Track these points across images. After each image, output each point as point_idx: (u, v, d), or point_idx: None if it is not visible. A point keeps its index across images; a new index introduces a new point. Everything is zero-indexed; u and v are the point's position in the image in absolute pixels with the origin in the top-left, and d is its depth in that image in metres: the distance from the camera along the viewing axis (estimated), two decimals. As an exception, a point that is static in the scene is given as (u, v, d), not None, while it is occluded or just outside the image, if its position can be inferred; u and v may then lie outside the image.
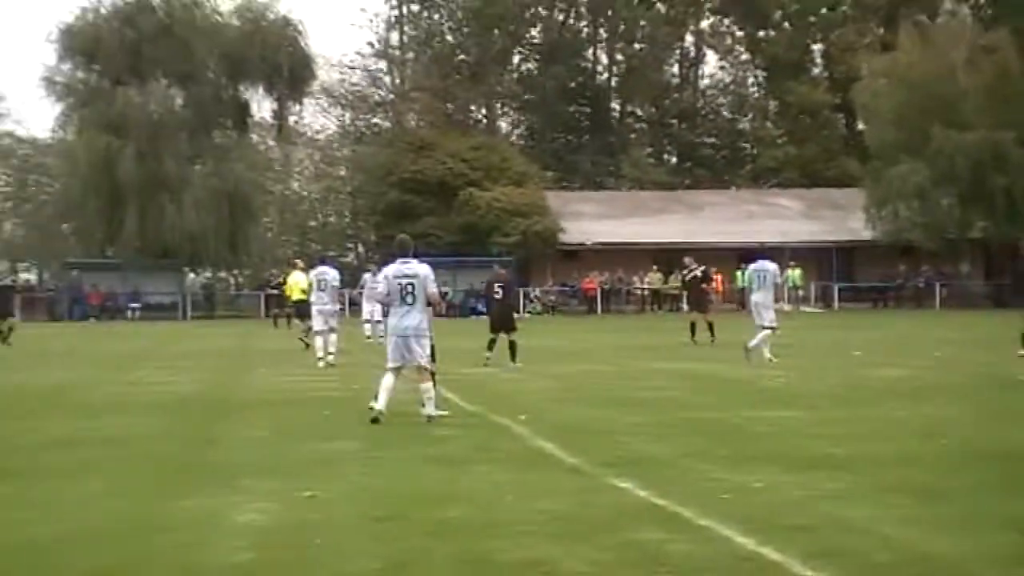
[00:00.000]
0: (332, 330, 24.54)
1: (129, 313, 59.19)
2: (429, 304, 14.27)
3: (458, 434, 13.07)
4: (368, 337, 30.89)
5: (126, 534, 8.02)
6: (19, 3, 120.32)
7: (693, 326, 28.91)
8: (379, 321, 32.77)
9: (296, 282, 30.05)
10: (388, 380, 13.87)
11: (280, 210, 78.60)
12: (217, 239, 62.59)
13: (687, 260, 31.07)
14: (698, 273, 30.29)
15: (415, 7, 78.59)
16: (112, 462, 11.31)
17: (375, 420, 13.53)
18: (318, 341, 24.60)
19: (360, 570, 7.00)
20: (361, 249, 78.67)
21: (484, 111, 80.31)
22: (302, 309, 28.26)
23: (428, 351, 14.08)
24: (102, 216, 63.84)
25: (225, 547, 7.64)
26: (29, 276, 77.60)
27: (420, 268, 14.13)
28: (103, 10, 65.70)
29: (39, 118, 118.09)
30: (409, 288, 13.86)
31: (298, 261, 31.09)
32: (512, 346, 23.03)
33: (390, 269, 14.13)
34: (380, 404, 13.65)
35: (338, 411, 15.60)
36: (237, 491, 9.62)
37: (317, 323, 24.65)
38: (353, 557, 7.31)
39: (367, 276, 34.54)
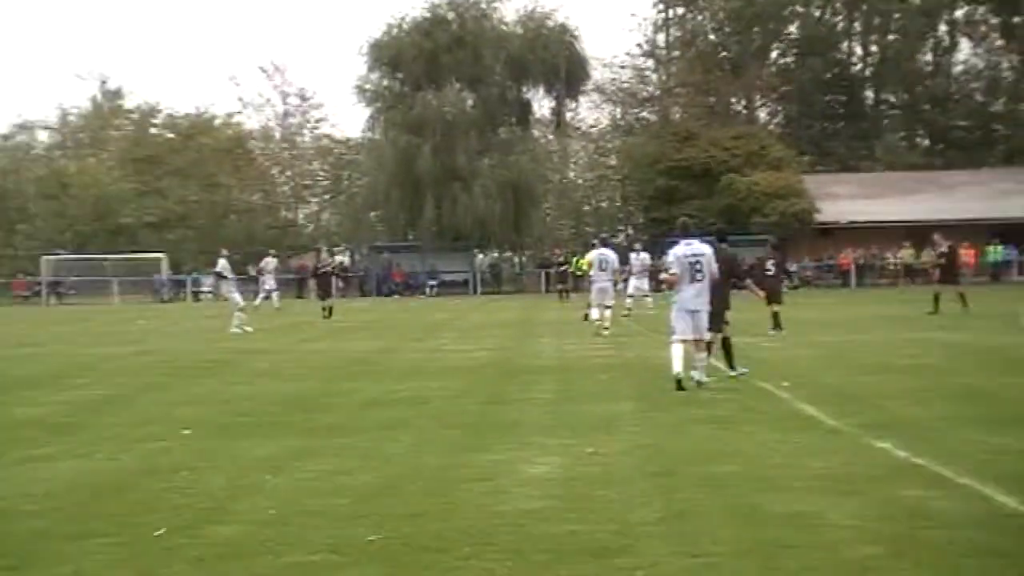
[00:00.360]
0: (608, 306, 24.68)
1: (427, 290, 60.79)
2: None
3: (725, 398, 12.91)
4: (629, 310, 30.79)
5: (435, 483, 8.22)
6: (335, 24, 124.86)
7: (936, 298, 27.84)
8: (645, 295, 32.82)
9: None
10: (678, 349, 13.70)
11: (558, 196, 79.11)
12: (503, 223, 63.75)
13: (936, 237, 30.00)
14: (944, 249, 29.28)
15: (680, 10, 78.06)
16: (419, 419, 11.61)
17: (680, 386, 13.38)
18: (594, 312, 24.79)
19: (641, 518, 6.99)
20: (631, 231, 78.69)
21: (744, 103, 79.02)
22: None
23: (707, 323, 13.94)
24: (404, 205, 65.87)
25: (520, 495, 7.75)
26: (343, 258, 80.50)
27: (705, 247, 14.04)
28: (405, 25, 67.49)
29: (351, 121, 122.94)
30: (698, 266, 13.75)
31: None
32: (775, 316, 22.74)
33: (678, 249, 13.99)
34: (678, 368, 13.51)
35: (614, 376, 15.61)
36: (527, 447, 9.74)
37: (597, 298, 24.84)
38: (634, 507, 7.31)
39: (632, 256, 34.57)
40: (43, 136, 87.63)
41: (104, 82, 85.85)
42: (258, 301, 39.83)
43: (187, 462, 9.24)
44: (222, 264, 28.71)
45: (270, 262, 42.78)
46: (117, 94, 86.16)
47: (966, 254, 44.82)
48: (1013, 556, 6.13)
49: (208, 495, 7.92)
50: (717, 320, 14.60)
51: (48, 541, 6.73)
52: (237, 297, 28.53)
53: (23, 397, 14.62)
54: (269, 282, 41.72)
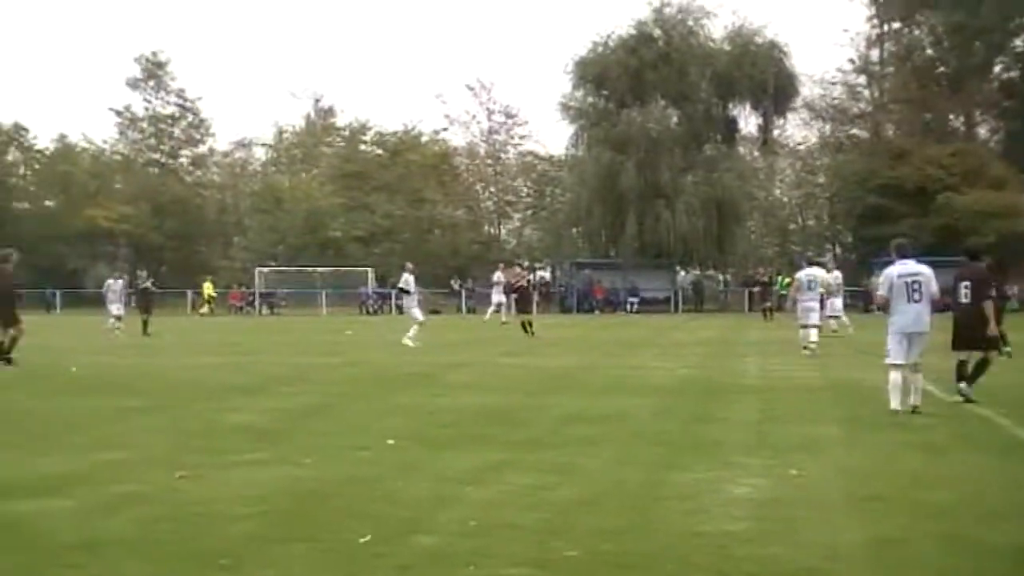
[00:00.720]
0: (815, 325, 24.27)
1: (628, 306, 60.73)
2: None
3: (938, 423, 12.45)
4: (834, 330, 30.08)
5: (635, 500, 8.15)
6: (541, 43, 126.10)
7: None
8: (835, 316, 31.72)
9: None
10: (896, 379, 13.20)
11: (763, 214, 78.15)
12: (706, 240, 63.20)
13: None
14: None
15: (896, 24, 75.85)
16: (619, 436, 11.54)
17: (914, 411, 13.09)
18: (801, 333, 24.42)
19: (847, 543, 6.79)
20: (838, 250, 77.07)
21: (962, 119, 76.25)
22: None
23: (923, 347, 13.49)
24: (606, 221, 65.95)
25: (722, 516, 7.61)
26: (544, 274, 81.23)
27: (924, 268, 13.59)
28: (611, 43, 67.62)
29: (555, 138, 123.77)
30: (916, 286, 13.31)
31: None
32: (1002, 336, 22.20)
33: (893, 269, 13.57)
34: (896, 404, 13.07)
35: (820, 398, 15.27)
36: (730, 466, 9.58)
37: (803, 318, 24.47)
38: (840, 531, 7.10)
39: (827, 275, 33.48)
40: (259, 153, 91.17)
41: (317, 100, 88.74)
42: (488, 315, 41.05)
43: (391, 472, 9.40)
44: (405, 279, 29.15)
45: (501, 276, 43.77)
46: (329, 112, 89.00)
47: None
48: None
49: (411, 505, 8.03)
50: (976, 341, 14.35)
51: (259, 543, 6.93)
52: (417, 312, 28.95)
53: (235, 404, 15.15)
54: (496, 295, 42.77)
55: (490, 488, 8.66)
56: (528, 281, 41.71)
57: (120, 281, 36.63)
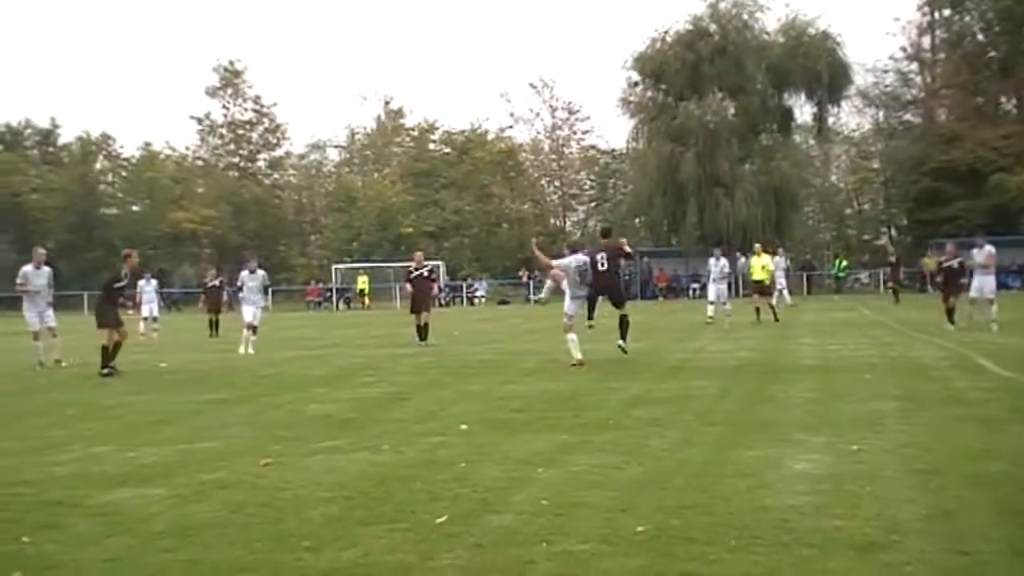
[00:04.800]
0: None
1: (689, 292, 60.51)
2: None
3: (994, 397, 12.28)
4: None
5: (700, 478, 8.14)
6: (601, 40, 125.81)
7: None
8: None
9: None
10: None
11: (819, 200, 77.47)
12: (765, 227, 62.65)
13: None
14: None
15: (947, 12, 74.81)
16: (682, 416, 11.51)
17: None
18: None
19: (908, 516, 6.73)
20: (894, 233, 76.34)
21: (1014, 102, 75.07)
22: None
23: None
24: (667, 211, 65.81)
25: (786, 491, 7.58)
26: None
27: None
28: (668, 38, 67.35)
29: (616, 132, 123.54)
30: None
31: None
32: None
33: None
34: None
35: (877, 375, 15.10)
36: (791, 444, 9.52)
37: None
38: (900, 504, 7.04)
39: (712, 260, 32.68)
40: (333, 154, 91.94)
41: (387, 102, 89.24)
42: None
43: (464, 455, 9.45)
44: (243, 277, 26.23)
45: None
46: (399, 113, 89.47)
47: None
48: None
49: (484, 486, 8.07)
50: None
51: (340, 525, 7.02)
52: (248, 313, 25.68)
53: (315, 394, 15.30)
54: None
55: (560, 469, 8.69)
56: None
57: (153, 282, 35.73)
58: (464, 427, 11.22)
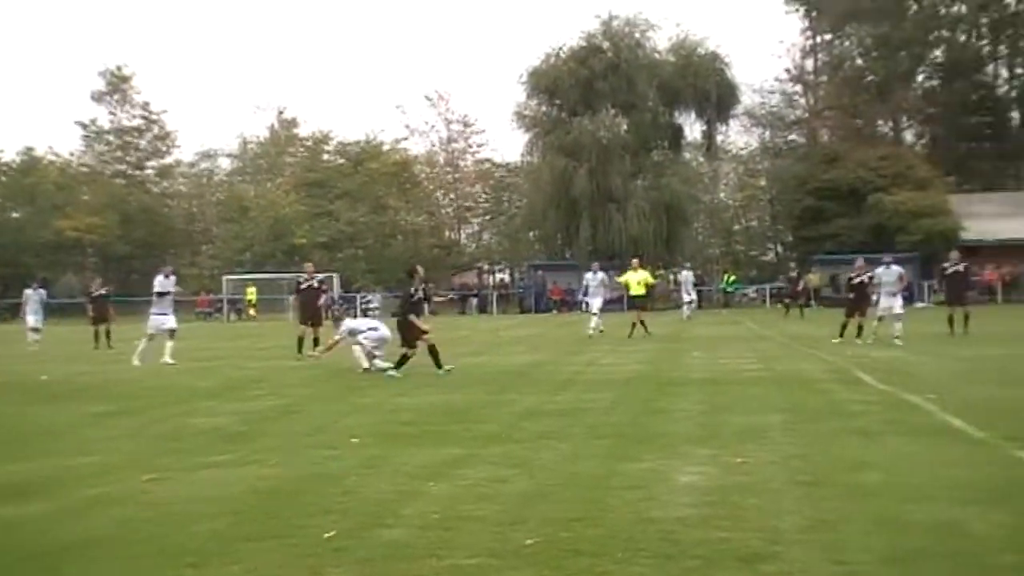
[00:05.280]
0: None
1: (583, 306, 60.78)
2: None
3: (872, 410, 12.57)
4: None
5: (589, 490, 8.18)
6: (495, 55, 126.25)
7: None
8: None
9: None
10: None
11: (708, 216, 78.72)
12: (656, 242, 63.65)
13: None
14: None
15: (827, 36, 77.16)
16: (573, 429, 11.56)
17: None
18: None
19: (790, 526, 6.86)
20: (780, 249, 78.06)
21: (890, 124, 77.66)
22: None
23: None
24: (560, 225, 66.34)
25: (673, 503, 7.66)
26: (503, 276, 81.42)
27: None
28: (562, 54, 68.02)
29: (511, 146, 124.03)
30: None
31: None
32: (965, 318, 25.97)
33: None
34: None
35: (763, 388, 15.37)
36: (679, 456, 9.63)
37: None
38: (782, 515, 7.17)
39: (589, 275, 33.50)
40: (225, 163, 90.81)
41: (281, 112, 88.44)
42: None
43: (355, 469, 9.39)
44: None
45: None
46: (292, 123, 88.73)
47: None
48: None
49: (374, 500, 8.02)
50: None
51: (226, 541, 6.91)
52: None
53: (203, 407, 15.07)
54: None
55: (450, 482, 8.67)
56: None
57: (40, 292, 34.35)
58: (355, 440, 11.14)
